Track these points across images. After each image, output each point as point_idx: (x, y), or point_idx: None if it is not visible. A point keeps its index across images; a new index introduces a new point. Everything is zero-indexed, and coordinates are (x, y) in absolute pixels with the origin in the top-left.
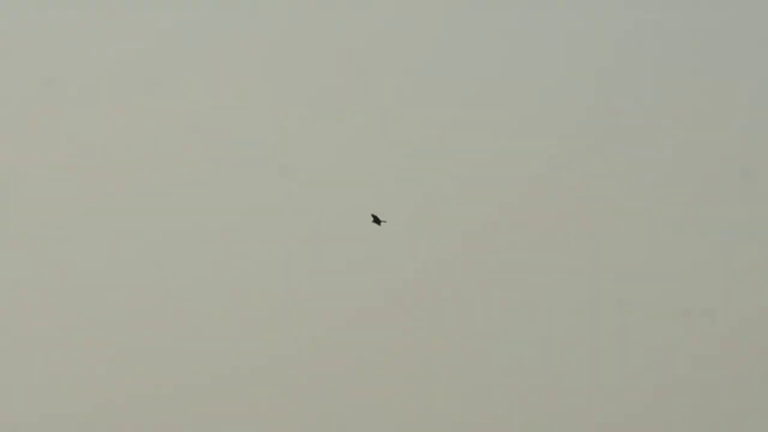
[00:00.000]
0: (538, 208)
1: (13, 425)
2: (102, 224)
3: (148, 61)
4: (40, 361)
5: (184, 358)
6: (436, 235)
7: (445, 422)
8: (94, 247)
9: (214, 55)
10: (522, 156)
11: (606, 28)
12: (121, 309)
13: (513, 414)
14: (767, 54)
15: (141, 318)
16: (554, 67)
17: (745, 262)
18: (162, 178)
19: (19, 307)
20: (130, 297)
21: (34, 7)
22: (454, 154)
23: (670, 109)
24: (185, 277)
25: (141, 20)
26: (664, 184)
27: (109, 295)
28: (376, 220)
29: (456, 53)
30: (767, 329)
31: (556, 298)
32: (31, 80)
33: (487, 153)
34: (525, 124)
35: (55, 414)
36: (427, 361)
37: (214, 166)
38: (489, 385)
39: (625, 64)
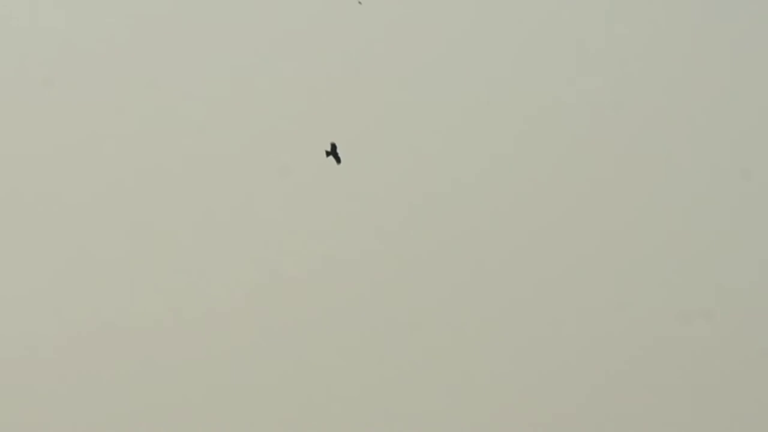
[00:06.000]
0: (533, 208)
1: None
2: (100, 225)
3: (145, 59)
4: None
5: (182, 360)
6: (435, 234)
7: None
8: (92, 246)
9: (213, 53)
10: (519, 155)
11: (604, 26)
12: (118, 311)
13: (508, 414)
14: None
15: (138, 319)
16: (553, 65)
17: (745, 262)
18: (160, 178)
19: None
20: (128, 299)
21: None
22: (456, 152)
23: (670, 107)
24: (184, 277)
25: (136, 16)
26: (663, 182)
27: (106, 296)
28: (333, 155)
29: (458, 52)
30: (766, 330)
31: (553, 298)
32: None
33: (489, 152)
34: (523, 123)
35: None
36: (423, 359)
37: (212, 165)
38: (482, 387)
39: (624, 63)
